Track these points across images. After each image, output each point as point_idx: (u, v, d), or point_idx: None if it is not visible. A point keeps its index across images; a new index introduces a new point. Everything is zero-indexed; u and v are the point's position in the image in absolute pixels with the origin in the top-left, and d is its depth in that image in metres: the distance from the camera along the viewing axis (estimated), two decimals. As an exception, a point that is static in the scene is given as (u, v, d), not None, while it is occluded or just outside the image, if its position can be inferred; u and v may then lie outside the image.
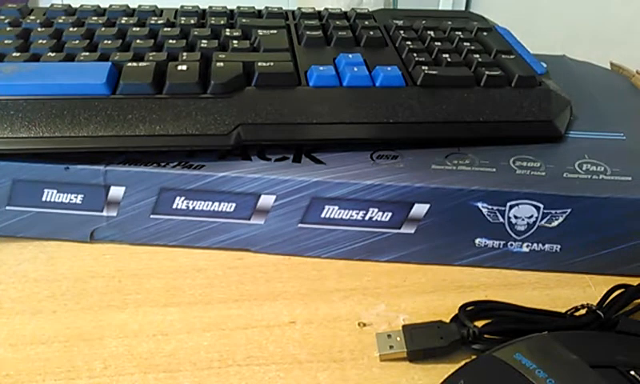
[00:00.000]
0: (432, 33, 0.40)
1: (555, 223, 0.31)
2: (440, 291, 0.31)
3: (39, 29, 0.38)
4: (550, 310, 0.29)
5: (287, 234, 0.33)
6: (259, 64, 0.34)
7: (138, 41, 0.37)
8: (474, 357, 0.27)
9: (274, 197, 0.32)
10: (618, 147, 0.35)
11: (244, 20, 0.40)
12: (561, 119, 0.36)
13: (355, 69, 0.35)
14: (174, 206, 0.32)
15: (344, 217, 0.32)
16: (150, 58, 0.35)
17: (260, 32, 0.38)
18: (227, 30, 0.39)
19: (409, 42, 0.39)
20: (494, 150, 0.34)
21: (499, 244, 0.32)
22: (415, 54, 0.37)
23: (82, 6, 0.42)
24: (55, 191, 0.32)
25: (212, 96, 0.33)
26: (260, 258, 0.33)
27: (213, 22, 0.40)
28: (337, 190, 0.31)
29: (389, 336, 0.28)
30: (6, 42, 0.36)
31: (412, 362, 0.27)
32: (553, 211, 0.31)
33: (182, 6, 0.42)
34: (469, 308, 0.29)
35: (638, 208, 0.31)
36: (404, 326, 0.28)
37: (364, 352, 0.28)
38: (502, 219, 0.31)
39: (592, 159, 0.33)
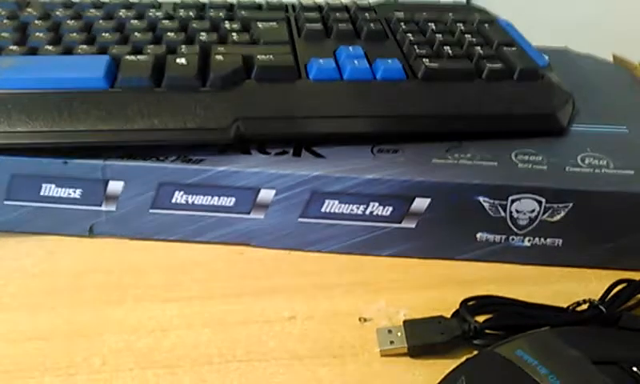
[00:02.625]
0: (433, 25, 0.39)
1: (557, 217, 0.31)
2: (441, 286, 0.31)
3: (37, 22, 0.38)
4: (552, 305, 0.29)
5: (287, 228, 0.32)
6: (259, 57, 0.34)
7: (136, 34, 0.36)
8: (475, 352, 0.27)
9: (273, 191, 0.32)
10: (620, 141, 0.34)
11: (243, 13, 0.40)
12: (563, 112, 0.35)
13: (356, 62, 0.35)
14: (174, 201, 0.32)
15: (344, 211, 0.32)
16: (149, 51, 0.34)
17: (260, 25, 0.38)
18: (227, 23, 0.39)
19: (410, 35, 0.38)
20: (496, 143, 0.34)
21: (501, 238, 0.32)
22: (416, 47, 0.37)
23: (80, -2, 0.42)
24: (54, 186, 0.32)
25: (211, 89, 0.33)
26: (260, 253, 0.33)
27: (212, 14, 0.40)
28: (337, 184, 0.31)
29: (389, 331, 0.28)
30: (3, 35, 0.36)
31: (413, 358, 0.27)
32: (555, 205, 0.31)
33: (181, -1, 0.42)
34: (470, 303, 0.29)
35: (641, 202, 0.31)
36: (405, 322, 0.28)
37: (364, 347, 0.28)
38: (503, 213, 0.31)
39: (594, 153, 0.33)
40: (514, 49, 0.37)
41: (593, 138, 0.34)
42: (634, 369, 0.23)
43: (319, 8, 0.42)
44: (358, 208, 0.32)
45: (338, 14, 0.40)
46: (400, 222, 0.32)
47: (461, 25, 0.40)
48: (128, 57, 0.34)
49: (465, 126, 0.34)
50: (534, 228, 0.31)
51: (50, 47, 0.35)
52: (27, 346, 0.27)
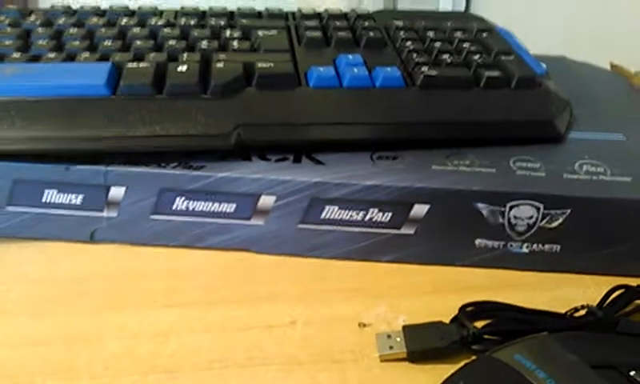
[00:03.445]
0: (432, 33, 0.40)
1: (555, 224, 0.31)
2: (440, 292, 0.31)
3: (39, 29, 0.38)
4: (550, 311, 0.29)
5: (287, 234, 0.33)
6: (259, 65, 0.34)
7: (138, 41, 0.37)
8: (473, 357, 0.27)
9: (274, 197, 0.32)
10: (617, 148, 0.35)
11: (244, 21, 0.40)
12: (561, 120, 0.36)
13: (355, 69, 0.35)
14: (175, 207, 0.32)
15: (344, 217, 0.32)
16: (151, 58, 0.35)
17: (260, 33, 0.38)
18: (227, 30, 0.39)
19: (409, 43, 0.39)
20: (494, 150, 0.34)
21: (499, 244, 0.32)
22: (415, 55, 0.37)
23: (82, 6, 0.42)
24: (55, 191, 0.32)
25: (212, 97, 0.33)
26: (260, 259, 0.33)
27: (213, 22, 0.40)
28: (337, 190, 0.31)
29: (389, 336, 0.28)
30: (6, 42, 0.36)
31: (412, 363, 0.27)
32: (553, 212, 0.31)
33: (182, 7, 0.42)
34: (469, 309, 0.29)
35: (638, 208, 0.31)
36: (404, 327, 0.28)
37: (364, 352, 0.28)
38: (502, 220, 0.31)
39: (592, 160, 0.33)
40: (511, 57, 0.38)
41: (590, 146, 0.35)
42: (632, 373, 0.23)
43: (319, 16, 0.43)
44: (357, 214, 0.32)
45: (337, 23, 0.41)
46: (399, 228, 0.32)
47: (459, 33, 0.40)
48: (130, 64, 0.34)
49: (463, 133, 0.34)
50: (532, 234, 0.32)
51: (52, 54, 0.35)
52: (29, 352, 0.27)
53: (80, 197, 0.32)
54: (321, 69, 0.35)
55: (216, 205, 0.32)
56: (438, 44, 0.38)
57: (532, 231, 0.32)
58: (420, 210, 0.32)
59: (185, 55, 0.35)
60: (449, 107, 0.34)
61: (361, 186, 0.31)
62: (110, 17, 0.40)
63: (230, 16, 0.42)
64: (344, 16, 0.43)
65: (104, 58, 0.35)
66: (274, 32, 0.39)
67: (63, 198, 0.32)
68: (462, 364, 0.26)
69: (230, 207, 0.32)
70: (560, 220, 0.31)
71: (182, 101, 0.32)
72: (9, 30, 0.38)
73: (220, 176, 0.32)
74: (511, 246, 0.32)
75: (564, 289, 0.32)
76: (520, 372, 0.23)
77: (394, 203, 0.32)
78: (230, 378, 0.26)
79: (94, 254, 0.33)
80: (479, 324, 0.28)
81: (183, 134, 0.32)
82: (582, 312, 0.29)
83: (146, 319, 0.29)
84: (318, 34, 0.39)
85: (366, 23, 0.41)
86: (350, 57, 0.36)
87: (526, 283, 0.32)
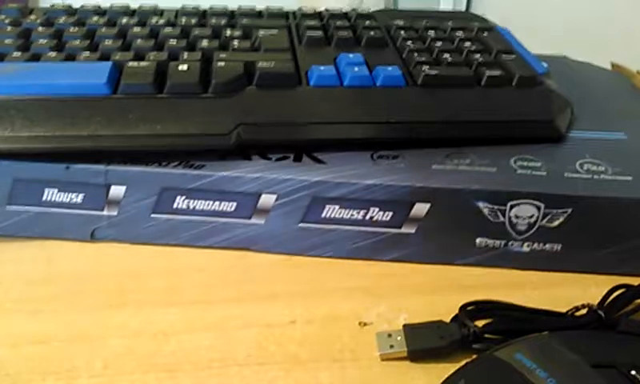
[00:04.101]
0: (433, 33, 0.40)
1: (556, 223, 0.31)
2: (440, 291, 0.31)
3: (40, 29, 0.38)
4: (551, 310, 0.29)
5: (288, 233, 0.33)
6: (260, 64, 0.34)
7: (138, 41, 0.37)
8: (474, 357, 0.27)
9: (274, 196, 0.32)
10: (618, 147, 0.35)
11: (245, 20, 0.40)
12: (562, 119, 0.36)
13: (356, 69, 0.35)
14: (175, 206, 0.32)
15: (344, 216, 0.32)
16: (151, 57, 0.35)
17: (261, 32, 0.38)
18: (228, 29, 0.39)
19: (409, 42, 0.39)
20: (495, 149, 0.34)
21: (500, 244, 0.32)
22: (416, 54, 0.37)
23: (82, 5, 0.42)
24: (56, 190, 0.32)
25: (213, 96, 0.33)
26: (260, 258, 0.33)
27: (214, 22, 0.40)
28: (337, 189, 0.31)
29: (389, 335, 0.28)
30: (6, 41, 0.36)
31: (412, 362, 0.27)
32: (554, 211, 0.31)
33: (182, 6, 0.42)
34: (469, 308, 0.29)
35: (639, 207, 0.31)
36: (404, 326, 0.28)
37: (364, 352, 0.28)
38: (502, 219, 0.31)
39: (593, 159, 0.33)
40: (512, 56, 0.38)
41: (591, 144, 0.35)
42: (633, 373, 0.23)
43: (320, 16, 0.43)
44: (358, 213, 0.32)
45: (338, 22, 0.41)
46: (400, 228, 0.32)
47: (460, 32, 0.40)
48: (130, 63, 0.34)
49: (464, 132, 0.34)
50: (532, 233, 0.32)
51: (52, 54, 0.35)
52: (28, 350, 0.27)
53: (80, 196, 0.32)
54: (321, 68, 0.35)
55: (216, 204, 0.32)
56: (438, 43, 0.38)
57: (533, 230, 0.31)
58: (420, 209, 0.32)
59: (185, 54, 0.35)
60: (449, 106, 0.34)
61: (361, 185, 0.31)
62: (110, 16, 0.41)
63: (231, 15, 0.42)
64: (345, 15, 0.43)
65: (104, 57, 0.35)
66: (274, 31, 0.39)
67: (63, 197, 0.32)
68: (462, 363, 0.26)
69: (230, 206, 0.32)
70: (561, 219, 0.31)
71: (182, 100, 0.32)
72: (9, 28, 0.38)
73: (220, 175, 0.32)
74: (512, 245, 0.32)
75: (565, 288, 0.32)
76: (521, 371, 0.23)
77: (395, 202, 0.31)
78: (230, 377, 0.26)
79: (95, 252, 0.33)
80: (480, 323, 0.28)
81: (184, 133, 0.32)
82: (583, 311, 0.29)
83: (146, 318, 0.29)
84: (318, 33, 0.39)
85: (367, 22, 0.41)
86: (351, 56, 0.36)
87: (526, 282, 0.32)
